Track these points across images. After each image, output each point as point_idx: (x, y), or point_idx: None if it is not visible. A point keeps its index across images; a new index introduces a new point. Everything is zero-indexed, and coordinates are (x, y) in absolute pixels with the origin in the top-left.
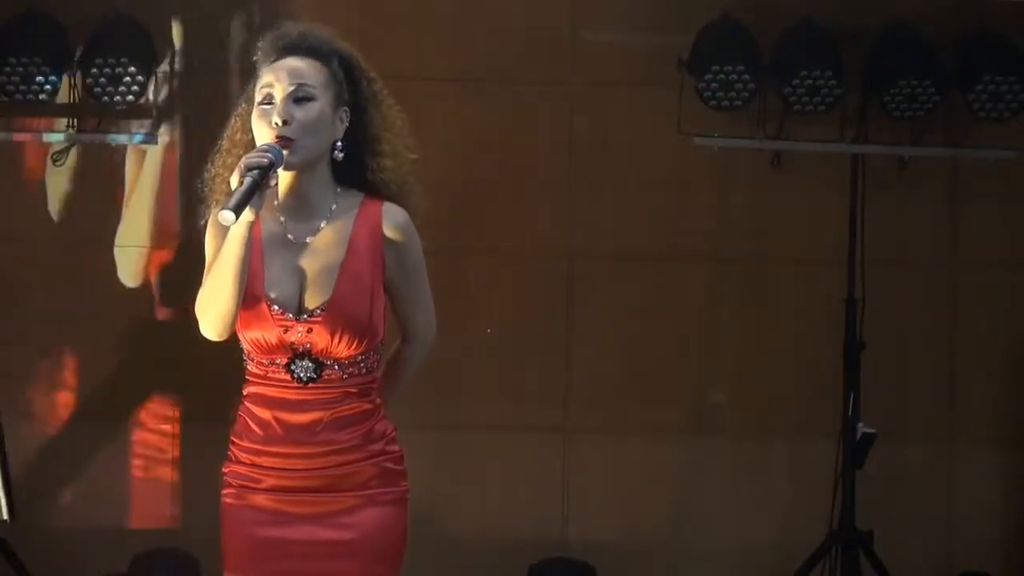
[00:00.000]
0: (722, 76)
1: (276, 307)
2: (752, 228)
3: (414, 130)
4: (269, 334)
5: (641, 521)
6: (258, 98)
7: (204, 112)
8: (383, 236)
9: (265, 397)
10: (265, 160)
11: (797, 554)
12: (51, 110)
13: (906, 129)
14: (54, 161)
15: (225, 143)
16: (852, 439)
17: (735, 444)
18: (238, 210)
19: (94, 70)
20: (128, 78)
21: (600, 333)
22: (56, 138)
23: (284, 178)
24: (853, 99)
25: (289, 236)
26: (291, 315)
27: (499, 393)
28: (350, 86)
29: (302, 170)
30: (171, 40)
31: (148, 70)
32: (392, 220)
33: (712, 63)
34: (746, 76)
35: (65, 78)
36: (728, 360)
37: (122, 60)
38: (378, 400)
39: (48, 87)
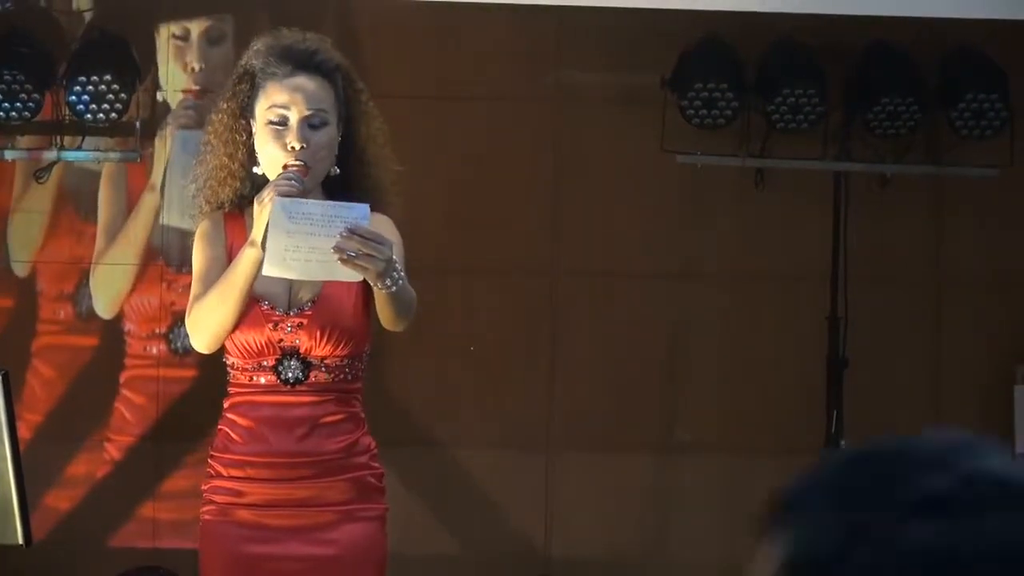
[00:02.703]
0: (705, 94)
1: (266, 303)
2: (735, 245)
3: (399, 147)
4: (258, 333)
5: (625, 539)
6: (269, 116)
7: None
8: None
9: (250, 404)
10: (295, 190)
11: None
12: (34, 128)
13: (889, 147)
14: (37, 179)
15: (212, 140)
16: None
17: (719, 462)
18: None
19: (77, 87)
20: (111, 95)
21: (584, 351)
22: (16, 155)
23: (320, 171)
24: (836, 117)
25: None
26: (280, 310)
27: (482, 411)
28: (345, 100)
29: (319, 180)
30: (154, 57)
31: (131, 87)
32: (378, 227)
33: (695, 81)
34: (729, 94)
35: (47, 95)
36: (711, 378)
37: (105, 77)
38: (362, 414)
39: (31, 104)
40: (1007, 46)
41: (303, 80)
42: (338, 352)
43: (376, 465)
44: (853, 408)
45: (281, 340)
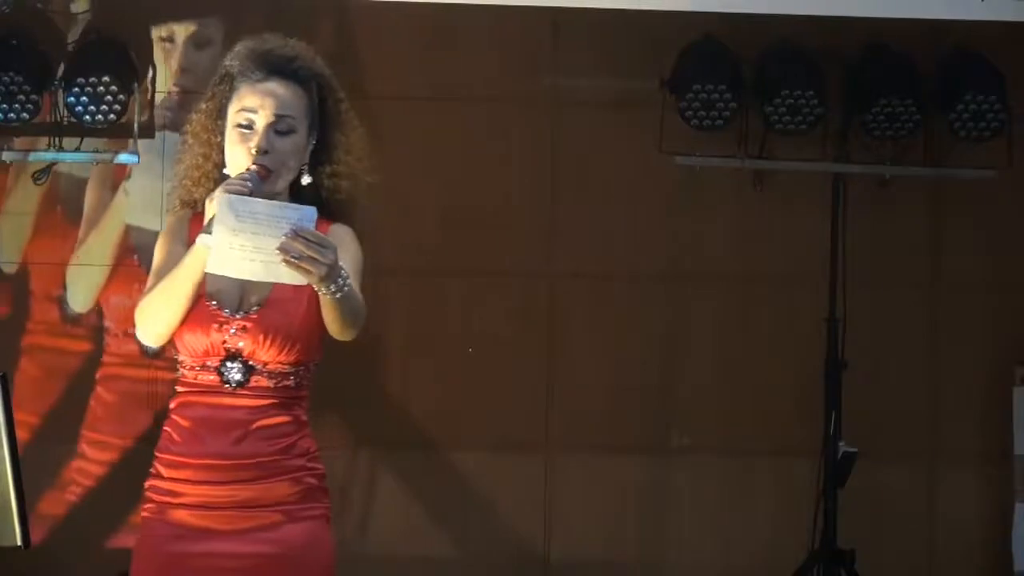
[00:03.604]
0: (704, 95)
1: (214, 303)
2: (734, 247)
3: (397, 148)
4: (203, 332)
5: (623, 541)
6: (238, 119)
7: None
8: None
9: (192, 404)
10: (246, 189)
11: (779, 573)
12: (32, 129)
13: (887, 148)
14: (35, 180)
15: (189, 139)
16: (833, 458)
17: (717, 463)
18: None
19: (75, 89)
20: (109, 96)
21: (582, 352)
22: (14, 156)
23: (284, 177)
24: (834, 119)
25: None
26: (227, 312)
27: (480, 412)
28: (320, 108)
29: (284, 187)
30: (152, 59)
31: (129, 89)
32: (336, 237)
33: (693, 82)
34: (727, 95)
35: (46, 97)
36: (709, 379)
37: (103, 79)
38: (304, 418)
39: (29, 105)
40: (1005, 48)
41: (275, 86)
42: (282, 358)
43: (316, 466)
44: (851, 409)
45: (225, 342)
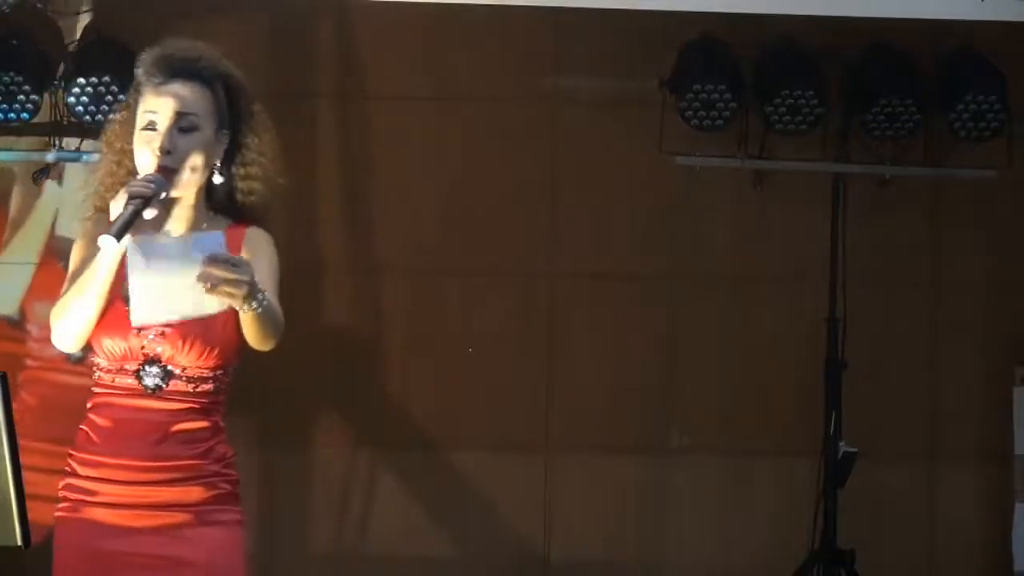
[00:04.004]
0: (703, 95)
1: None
2: (734, 247)
3: (396, 149)
4: (121, 337)
5: (623, 541)
6: (143, 122)
7: None
8: (242, 255)
9: (110, 406)
10: (148, 191)
11: (779, 573)
12: (32, 129)
13: (887, 148)
14: (35, 180)
15: (104, 148)
16: (834, 458)
17: (717, 463)
18: (119, 235)
19: (76, 89)
20: (109, 96)
21: (582, 352)
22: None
23: (186, 188)
24: (834, 119)
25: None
26: None
27: (480, 413)
28: (231, 109)
29: (185, 191)
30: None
31: (129, 89)
32: (251, 242)
33: (693, 82)
34: (727, 95)
35: (46, 96)
36: (709, 379)
37: (104, 79)
38: (222, 424)
39: (29, 105)
40: (1005, 48)
41: (177, 87)
42: (201, 363)
43: (230, 472)
44: (851, 410)
45: (144, 347)
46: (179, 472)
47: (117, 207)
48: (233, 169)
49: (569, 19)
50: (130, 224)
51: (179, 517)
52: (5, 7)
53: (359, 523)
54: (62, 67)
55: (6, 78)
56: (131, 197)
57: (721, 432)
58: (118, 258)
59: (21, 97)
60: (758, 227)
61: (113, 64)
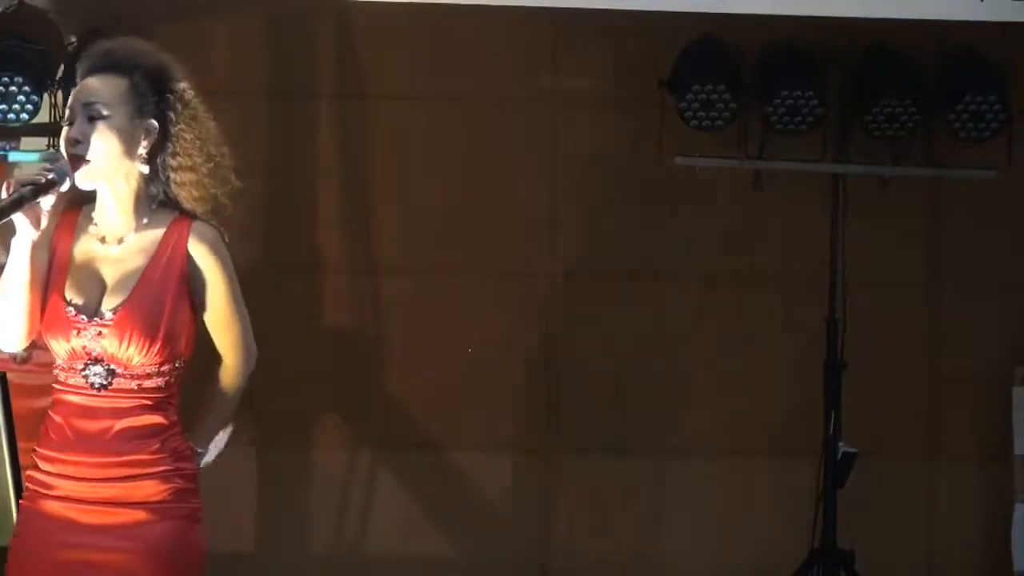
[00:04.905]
0: (703, 95)
1: (72, 309)
2: (734, 247)
3: (395, 149)
4: (64, 338)
5: (623, 541)
6: (65, 119)
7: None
8: (187, 252)
9: (63, 403)
10: (41, 179)
11: (779, 573)
12: (31, 130)
13: (887, 149)
14: None
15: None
16: (833, 458)
17: (717, 463)
18: None
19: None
20: None
21: (581, 353)
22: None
23: (100, 188)
24: (834, 119)
25: (98, 243)
26: (84, 317)
27: (480, 413)
28: (156, 98)
29: (110, 182)
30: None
31: None
32: (197, 237)
33: (693, 83)
34: (727, 96)
35: (46, 96)
36: (709, 380)
37: None
38: (175, 417)
39: (29, 106)
40: (1005, 48)
41: (92, 79)
42: (144, 360)
43: (185, 466)
44: (851, 410)
45: (85, 347)
46: (130, 468)
47: (3, 192)
48: (165, 160)
49: (569, 19)
50: (11, 211)
51: (133, 513)
52: (9, 8)
53: (359, 523)
54: (62, 67)
55: (6, 78)
56: (20, 184)
57: (721, 432)
58: (26, 249)
59: (21, 97)
60: (758, 227)
61: None
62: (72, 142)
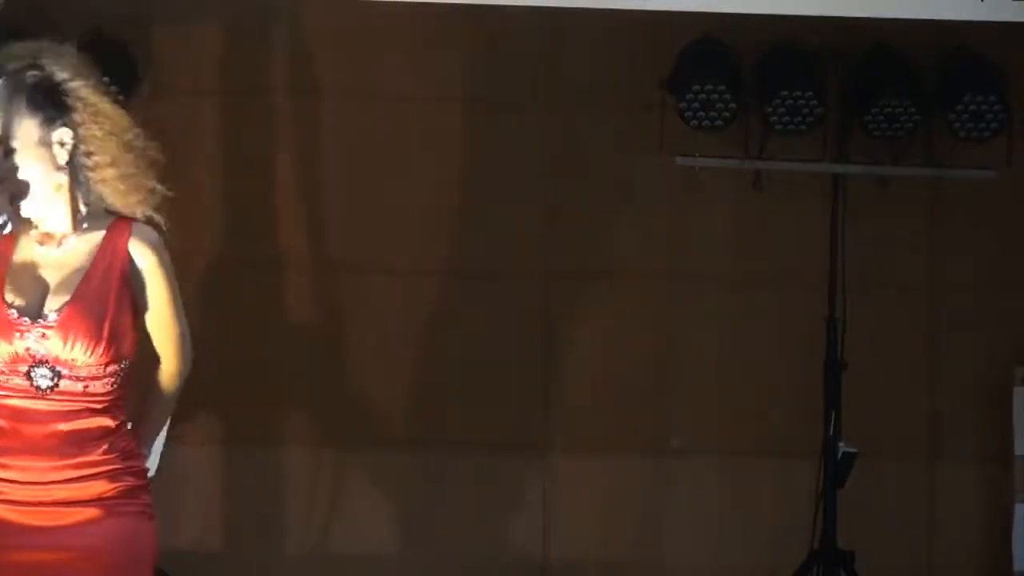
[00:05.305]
0: (703, 96)
1: (14, 312)
2: (734, 247)
3: (394, 149)
4: (6, 340)
5: (622, 541)
6: None
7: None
8: (128, 253)
9: (8, 407)
10: None
11: (779, 573)
12: None
13: (887, 149)
14: None
15: None
16: (833, 458)
17: (717, 463)
18: None
19: None
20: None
21: (580, 353)
22: None
23: (39, 191)
24: (834, 119)
25: (38, 245)
26: (27, 319)
27: (478, 413)
28: (57, 106)
29: (47, 199)
30: (152, 58)
31: (130, 89)
32: (138, 238)
33: (693, 83)
34: (727, 96)
35: None
36: (709, 380)
37: (104, 79)
38: (122, 418)
39: None
40: (1005, 48)
41: None
42: (89, 361)
43: (134, 464)
44: (851, 410)
45: (28, 348)
46: (79, 469)
47: None
48: (81, 161)
49: (569, 20)
50: None
51: (84, 513)
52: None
53: (356, 525)
54: None
55: None
56: None
57: (721, 432)
58: None
59: None
60: (758, 227)
61: (113, 64)
62: None
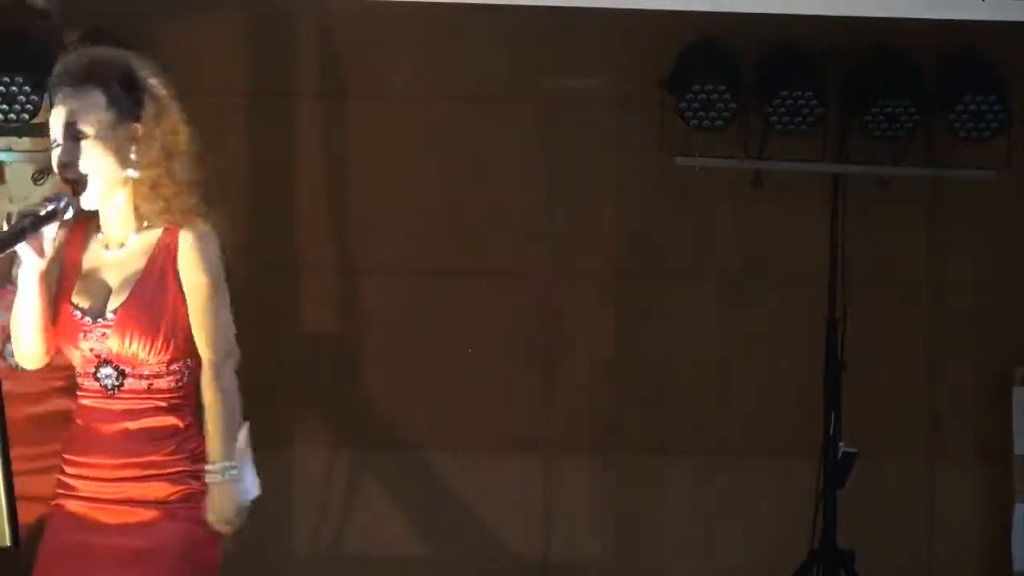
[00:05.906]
0: (703, 95)
1: (79, 313)
2: (733, 247)
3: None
4: (72, 343)
5: (622, 541)
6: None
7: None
8: (177, 253)
9: (84, 407)
10: (42, 211)
11: (779, 573)
12: (30, 130)
13: (887, 149)
14: (35, 181)
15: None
16: (833, 458)
17: (717, 463)
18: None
19: None
20: None
21: (580, 353)
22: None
23: (104, 183)
24: (834, 119)
25: (104, 249)
26: (88, 320)
27: (478, 413)
28: (134, 102)
29: (110, 194)
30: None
31: None
32: (187, 232)
33: (693, 82)
34: (727, 96)
35: (46, 96)
36: (709, 379)
37: None
38: (191, 419)
39: (29, 106)
40: (1005, 48)
41: (66, 97)
42: (150, 359)
43: (200, 467)
44: (851, 410)
45: (93, 349)
46: (144, 469)
47: (5, 223)
48: (152, 164)
49: (569, 19)
50: (12, 242)
51: (146, 513)
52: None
53: (356, 524)
54: None
55: (6, 78)
56: (22, 215)
57: (721, 432)
58: (34, 278)
59: (21, 97)
60: (758, 227)
61: None
62: (62, 166)
